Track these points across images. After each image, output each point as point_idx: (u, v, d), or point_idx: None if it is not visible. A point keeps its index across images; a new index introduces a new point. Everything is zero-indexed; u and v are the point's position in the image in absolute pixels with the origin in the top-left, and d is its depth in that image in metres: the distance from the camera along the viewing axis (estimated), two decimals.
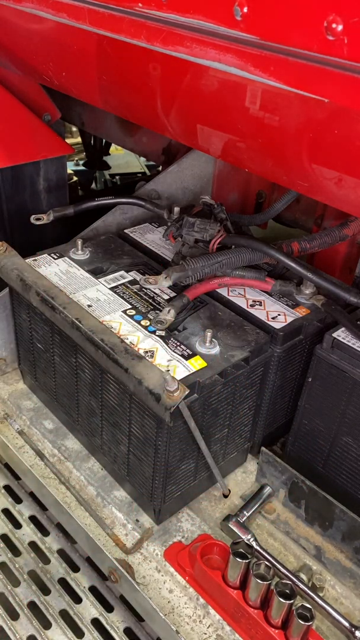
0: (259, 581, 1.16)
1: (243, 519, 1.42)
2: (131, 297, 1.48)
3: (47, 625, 1.29)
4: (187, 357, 1.30)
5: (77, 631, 1.29)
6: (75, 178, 3.45)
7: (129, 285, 1.53)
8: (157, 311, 1.43)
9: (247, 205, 2.20)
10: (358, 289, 1.53)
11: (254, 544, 1.35)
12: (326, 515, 1.38)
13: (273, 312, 1.48)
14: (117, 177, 3.65)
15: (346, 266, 1.94)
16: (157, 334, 1.35)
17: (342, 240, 1.61)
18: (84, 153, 3.54)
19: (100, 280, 1.54)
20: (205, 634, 1.25)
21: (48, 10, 1.37)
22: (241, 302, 1.51)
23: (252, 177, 2.12)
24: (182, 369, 1.26)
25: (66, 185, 2.16)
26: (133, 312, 1.43)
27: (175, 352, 1.30)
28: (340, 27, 0.79)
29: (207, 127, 1.19)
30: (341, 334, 1.35)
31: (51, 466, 1.59)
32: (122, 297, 1.48)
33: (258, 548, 1.34)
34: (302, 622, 1.11)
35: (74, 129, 3.78)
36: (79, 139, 3.60)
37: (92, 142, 3.44)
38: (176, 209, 1.77)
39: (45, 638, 1.26)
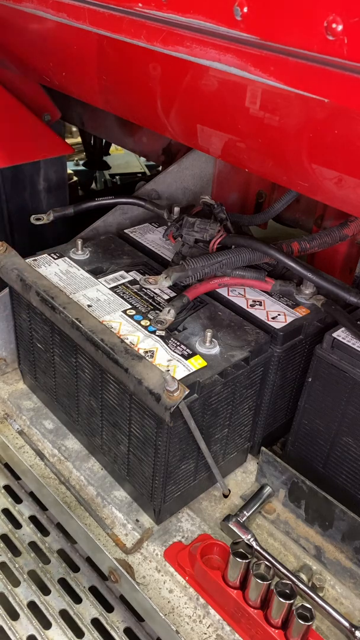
0: (259, 581, 1.16)
1: (243, 519, 1.42)
2: (131, 297, 1.48)
3: (47, 625, 1.29)
4: (187, 357, 1.30)
5: (77, 631, 1.29)
6: (75, 178, 3.45)
7: (129, 285, 1.53)
8: (157, 311, 1.43)
9: (247, 205, 2.20)
10: (358, 289, 1.53)
11: (254, 544, 1.35)
12: (326, 515, 1.38)
13: (273, 312, 1.48)
14: (117, 177, 3.65)
15: (346, 266, 1.94)
16: (157, 334, 1.35)
17: (342, 240, 1.61)
18: (84, 153, 3.54)
19: (100, 280, 1.54)
20: (205, 634, 1.25)
21: (48, 11, 1.37)
22: (241, 302, 1.51)
23: (252, 177, 2.12)
24: (182, 369, 1.26)
25: (66, 185, 2.16)
26: (133, 312, 1.43)
27: (175, 352, 1.30)
28: (340, 27, 0.79)
29: (207, 127, 1.19)
30: (341, 334, 1.35)
31: (51, 466, 1.59)
32: (122, 297, 1.48)
33: (258, 548, 1.34)
34: (302, 622, 1.11)
35: (74, 129, 3.78)
36: (79, 139, 3.60)
37: (92, 142, 3.44)
38: (176, 209, 1.77)
39: (45, 638, 1.26)
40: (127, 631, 1.30)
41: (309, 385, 1.43)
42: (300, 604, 1.13)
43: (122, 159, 3.75)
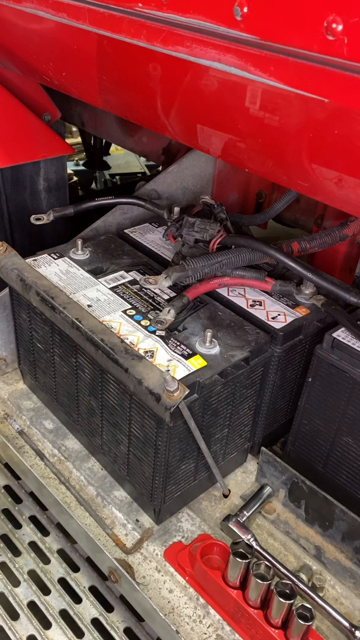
0: (259, 581, 1.16)
1: (243, 519, 1.42)
2: (131, 297, 1.48)
3: (47, 625, 1.29)
4: (187, 357, 1.30)
5: (77, 631, 1.29)
6: (75, 178, 3.45)
7: (129, 285, 1.53)
8: (157, 311, 1.43)
9: (247, 205, 2.20)
10: (358, 289, 1.53)
11: (254, 544, 1.35)
12: (326, 515, 1.38)
13: (273, 312, 1.48)
14: (117, 177, 3.65)
15: (346, 266, 1.94)
16: (157, 334, 1.35)
17: (342, 240, 1.61)
18: (84, 153, 3.54)
19: (100, 280, 1.54)
20: (205, 634, 1.25)
21: (48, 10, 1.37)
22: (241, 302, 1.51)
23: (252, 177, 2.12)
24: (182, 369, 1.26)
25: (66, 185, 2.16)
26: (133, 312, 1.43)
27: (175, 352, 1.30)
28: (340, 27, 0.79)
29: (207, 127, 1.19)
30: (341, 334, 1.35)
31: (51, 466, 1.59)
32: (122, 297, 1.48)
33: (258, 548, 1.34)
34: (302, 622, 1.11)
35: (74, 129, 3.78)
36: (79, 139, 3.60)
37: (92, 142, 3.44)
38: (176, 209, 1.77)
39: (45, 638, 1.26)
40: (127, 631, 1.30)
41: (309, 385, 1.43)
42: (300, 604, 1.13)
43: (122, 159, 3.75)
